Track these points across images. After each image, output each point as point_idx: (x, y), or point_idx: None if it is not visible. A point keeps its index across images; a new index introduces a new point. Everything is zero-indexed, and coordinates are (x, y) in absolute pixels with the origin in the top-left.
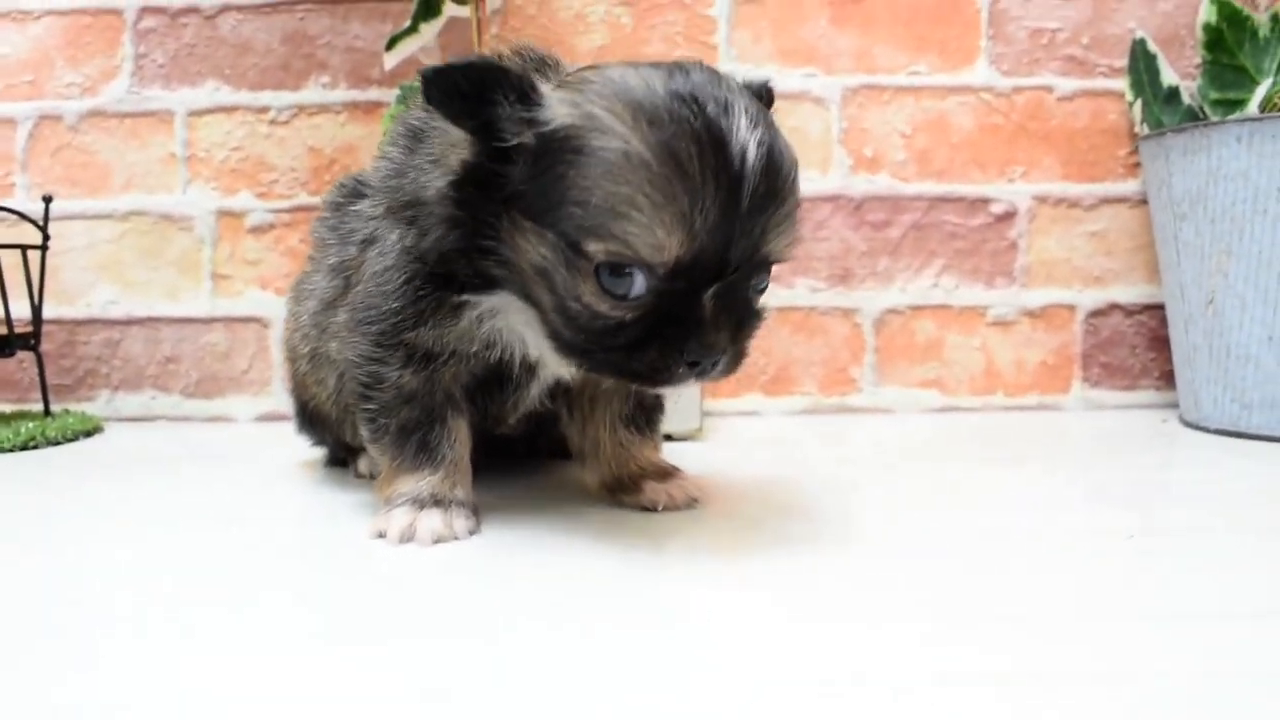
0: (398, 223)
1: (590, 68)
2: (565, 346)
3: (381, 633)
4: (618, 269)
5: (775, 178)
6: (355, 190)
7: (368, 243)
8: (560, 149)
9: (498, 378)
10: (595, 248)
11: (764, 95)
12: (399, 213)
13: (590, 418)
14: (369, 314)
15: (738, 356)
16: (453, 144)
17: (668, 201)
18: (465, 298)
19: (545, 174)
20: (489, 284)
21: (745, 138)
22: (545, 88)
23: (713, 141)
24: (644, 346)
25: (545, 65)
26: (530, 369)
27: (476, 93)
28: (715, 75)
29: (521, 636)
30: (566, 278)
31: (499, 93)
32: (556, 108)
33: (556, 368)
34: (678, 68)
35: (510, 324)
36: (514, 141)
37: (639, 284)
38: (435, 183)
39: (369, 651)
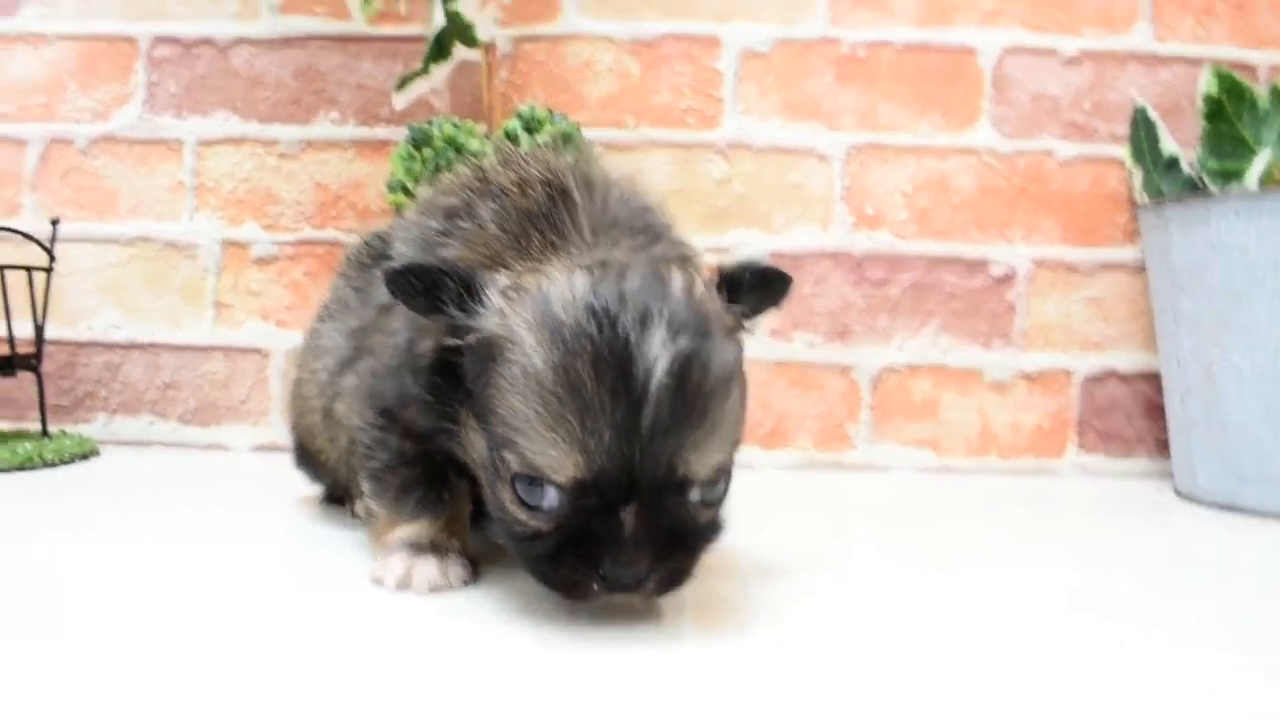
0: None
1: (549, 261)
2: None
3: (368, 676)
4: (532, 480)
5: (692, 395)
6: (381, 252)
7: (385, 309)
8: (488, 356)
9: None
10: (509, 457)
11: (742, 281)
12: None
13: None
14: (375, 385)
15: (675, 575)
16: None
17: (558, 423)
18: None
19: (480, 377)
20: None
21: (654, 355)
22: (492, 291)
23: (614, 361)
24: (559, 559)
25: (567, 197)
26: None
27: (427, 293)
28: (654, 279)
29: (511, 685)
30: (494, 481)
31: (445, 296)
32: (489, 316)
33: None
34: (619, 271)
35: None
36: (460, 342)
37: (551, 497)
38: (421, 342)
39: (354, 692)
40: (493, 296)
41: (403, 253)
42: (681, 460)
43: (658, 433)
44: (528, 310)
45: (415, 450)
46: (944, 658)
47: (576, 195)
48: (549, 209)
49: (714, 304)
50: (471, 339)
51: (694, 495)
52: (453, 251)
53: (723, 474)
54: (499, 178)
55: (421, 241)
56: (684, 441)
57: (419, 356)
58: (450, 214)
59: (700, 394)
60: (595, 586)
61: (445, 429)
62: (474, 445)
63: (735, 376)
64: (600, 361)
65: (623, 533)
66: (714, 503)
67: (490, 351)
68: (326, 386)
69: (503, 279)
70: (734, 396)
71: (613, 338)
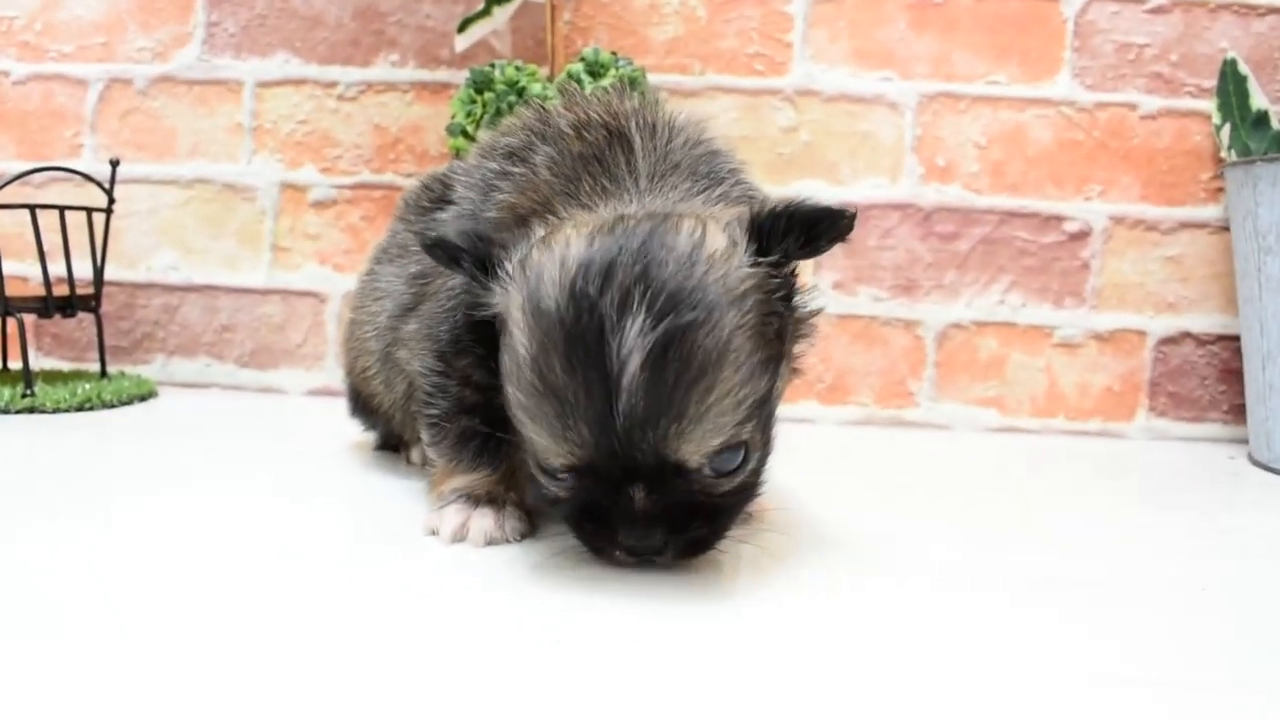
0: None
1: (594, 209)
2: None
3: (419, 625)
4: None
5: (672, 385)
6: (442, 196)
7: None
8: (502, 332)
9: None
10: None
11: (774, 226)
12: None
13: None
14: (434, 330)
15: (697, 543)
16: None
17: (540, 415)
18: None
19: (501, 349)
20: None
21: (629, 347)
22: (509, 264)
23: (589, 352)
24: (582, 525)
25: (626, 141)
26: None
27: (457, 263)
28: (654, 246)
29: (564, 640)
30: (530, 449)
31: (467, 268)
32: (498, 294)
33: None
34: (621, 236)
35: None
36: (491, 312)
37: (562, 477)
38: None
39: (404, 639)
40: (508, 269)
41: (464, 196)
42: (669, 449)
43: (634, 426)
44: (522, 290)
45: (475, 399)
46: (994, 629)
47: (636, 139)
48: (604, 153)
49: (727, 264)
50: (489, 313)
51: (703, 472)
52: (505, 196)
53: (735, 445)
54: (559, 120)
55: (481, 185)
56: (666, 432)
57: (474, 307)
58: (508, 156)
59: (681, 383)
60: (618, 554)
61: (496, 383)
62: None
63: (737, 346)
64: (574, 353)
65: (633, 508)
66: (732, 471)
67: (502, 328)
68: (385, 330)
69: (527, 244)
70: (733, 369)
71: (588, 326)
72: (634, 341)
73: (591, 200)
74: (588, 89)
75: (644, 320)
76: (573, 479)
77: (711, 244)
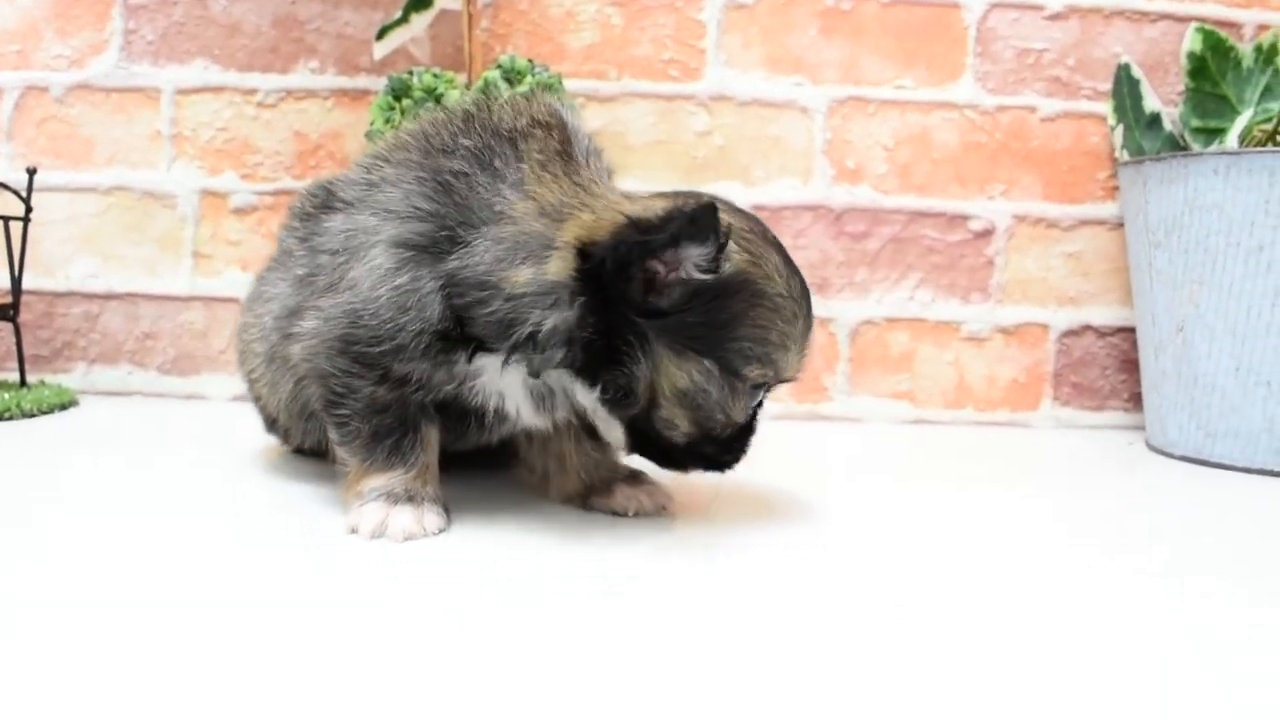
0: (427, 267)
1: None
2: (674, 453)
3: (347, 621)
4: (759, 386)
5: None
6: (326, 203)
7: (342, 253)
8: (733, 292)
9: (462, 413)
10: (756, 372)
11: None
12: (433, 261)
13: (552, 437)
14: (353, 332)
15: None
16: (545, 244)
17: (801, 336)
18: (476, 361)
19: (715, 310)
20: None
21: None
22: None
23: (804, 295)
24: (738, 443)
25: (568, 136)
26: (501, 417)
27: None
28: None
29: (490, 622)
30: (721, 396)
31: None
32: (734, 256)
33: (530, 420)
34: (735, 213)
35: (493, 383)
36: (696, 278)
37: (761, 395)
38: (536, 279)
39: (333, 638)
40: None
41: (413, 205)
42: None
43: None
44: (765, 251)
45: (389, 397)
46: (921, 606)
47: (571, 134)
48: (567, 149)
49: None
50: (709, 278)
51: None
52: (514, 194)
53: None
54: (510, 120)
55: (436, 188)
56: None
57: (427, 296)
58: (479, 156)
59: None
60: (730, 461)
61: (447, 370)
62: (673, 375)
63: None
64: (804, 297)
65: (754, 423)
66: None
67: (741, 287)
68: (271, 331)
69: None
70: None
71: (799, 280)
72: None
73: (590, 194)
74: (504, 95)
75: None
76: (762, 400)
77: None
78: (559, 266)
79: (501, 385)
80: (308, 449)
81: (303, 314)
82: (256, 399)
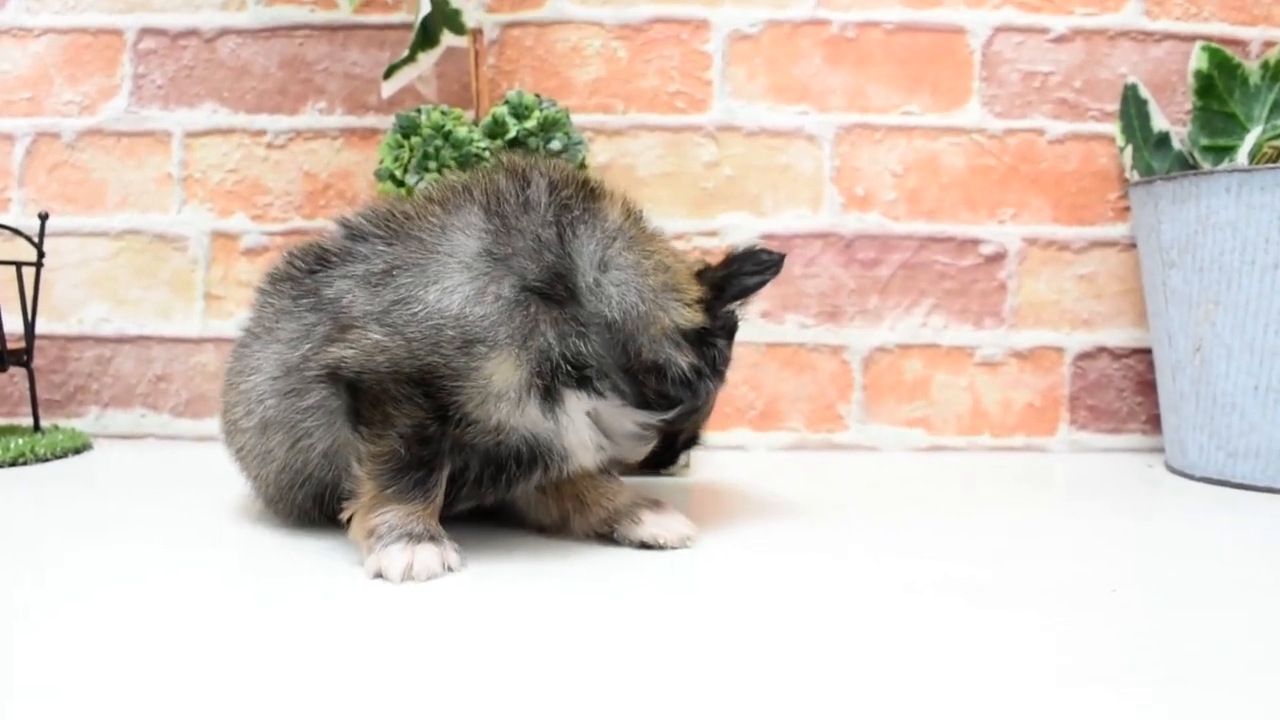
0: (539, 307)
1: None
2: (671, 456)
3: (362, 669)
4: None
5: None
6: (315, 266)
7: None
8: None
9: (499, 459)
10: None
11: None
12: (534, 295)
13: (565, 483)
14: (432, 359)
15: None
16: (676, 287)
17: None
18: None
19: None
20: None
21: None
22: None
23: None
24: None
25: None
26: (562, 456)
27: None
28: None
29: (517, 665)
30: None
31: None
32: None
33: (582, 461)
34: None
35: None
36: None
37: None
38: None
39: (366, 683)
40: None
41: (476, 292)
42: None
43: None
44: None
45: (435, 431)
46: (941, 630)
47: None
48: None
49: None
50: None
51: None
52: (630, 270)
53: None
54: (554, 190)
55: (534, 257)
56: None
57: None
58: (572, 223)
59: None
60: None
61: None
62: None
63: None
64: None
65: None
66: None
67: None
68: (268, 396)
69: None
70: None
71: None
72: None
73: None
74: (512, 131)
75: None
76: None
77: None
78: (695, 314)
79: (576, 424)
80: (294, 519)
81: (337, 342)
82: (248, 476)
